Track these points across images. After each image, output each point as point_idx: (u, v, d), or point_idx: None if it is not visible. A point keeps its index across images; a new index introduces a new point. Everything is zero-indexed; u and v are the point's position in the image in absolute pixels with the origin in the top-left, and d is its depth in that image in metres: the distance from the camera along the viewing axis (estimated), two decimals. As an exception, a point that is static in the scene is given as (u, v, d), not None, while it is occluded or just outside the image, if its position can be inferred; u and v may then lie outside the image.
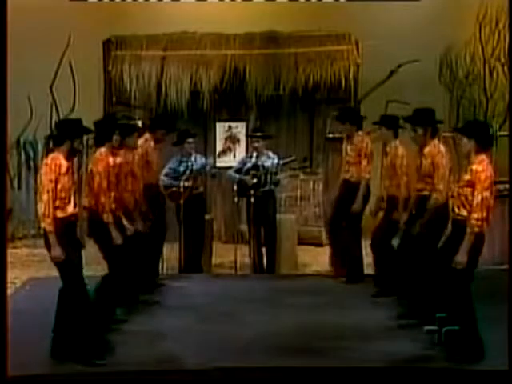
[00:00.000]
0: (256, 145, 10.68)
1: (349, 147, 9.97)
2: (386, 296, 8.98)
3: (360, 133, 9.94)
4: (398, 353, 7.23)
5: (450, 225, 7.30)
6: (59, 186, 6.88)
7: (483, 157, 6.98)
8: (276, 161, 10.58)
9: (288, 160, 10.82)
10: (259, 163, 10.53)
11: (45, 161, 7.00)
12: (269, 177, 10.48)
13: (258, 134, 10.87)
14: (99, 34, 13.06)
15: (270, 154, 10.69)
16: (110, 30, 13.16)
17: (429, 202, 8.12)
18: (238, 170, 10.73)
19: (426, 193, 8.21)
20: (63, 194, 6.91)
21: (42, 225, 6.87)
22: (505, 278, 8.58)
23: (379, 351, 7.26)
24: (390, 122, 9.27)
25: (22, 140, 13.47)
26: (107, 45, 13.32)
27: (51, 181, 6.84)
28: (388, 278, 8.97)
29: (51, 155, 6.99)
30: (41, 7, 12.89)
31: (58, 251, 6.84)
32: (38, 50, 12.75)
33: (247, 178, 10.50)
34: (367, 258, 10.13)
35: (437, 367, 7.01)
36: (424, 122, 8.21)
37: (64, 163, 6.93)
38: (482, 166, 6.90)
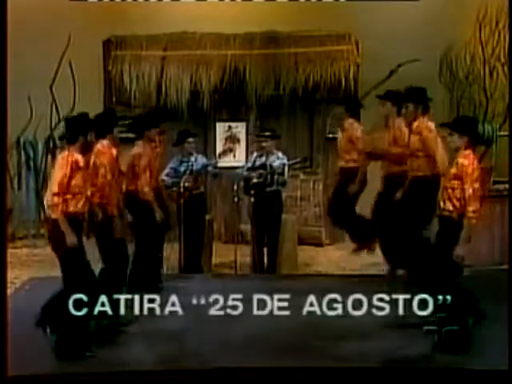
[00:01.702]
0: (264, 145, 10.64)
1: (340, 134, 10.17)
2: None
3: (350, 120, 10.03)
4: (398, 353, 7.23)
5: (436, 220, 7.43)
6: (73, 182, 6.89)
7: (469, 151, 7.12)
8: (285, 161, 10.57)
9: (294, 161, 10.78)
10: (268, 163, 10.51)
11: (61, 155, 7.02)
12: (275, 177, 10.45)
13: (267, 133, 10.84)
14: (99, 34, 13.05)
15: (280, 154, 10.63)
16: (110, 30, 13.14)
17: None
18: (246, 169, 10.73)
19: (417, 173, 8.24)
20: (77, 190, 6.91)
21: (53, 215, 6.82)
22: (505, 278, 8.59)
23: (379, 351, 7.27)
24: (395, 98, 9.15)
25: (22, 140, 13.44)
26: (107, 45, 13.31)
27: (65, 174, 6.84)
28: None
29: (67, 151, 6.99)
30: (41, 7, 12.88)
31: (72, 237, 6.81)
32: (38, 49, 12.74)
33: (253, 175, 10.49)
34: (368, 257, 10.19)
35: (437, 367, 7.01)
36: (414, 98, 8.32)
37: (80, 158, 6.97)
38: (468, 160, 7.06)
